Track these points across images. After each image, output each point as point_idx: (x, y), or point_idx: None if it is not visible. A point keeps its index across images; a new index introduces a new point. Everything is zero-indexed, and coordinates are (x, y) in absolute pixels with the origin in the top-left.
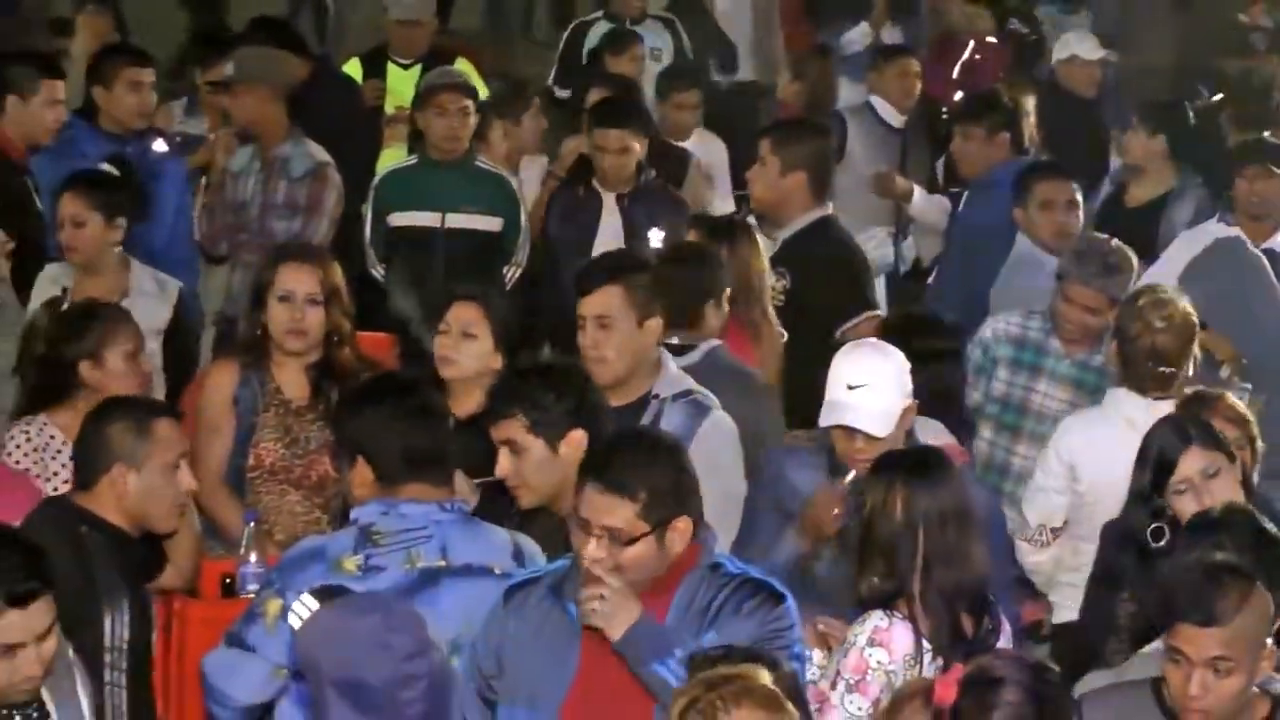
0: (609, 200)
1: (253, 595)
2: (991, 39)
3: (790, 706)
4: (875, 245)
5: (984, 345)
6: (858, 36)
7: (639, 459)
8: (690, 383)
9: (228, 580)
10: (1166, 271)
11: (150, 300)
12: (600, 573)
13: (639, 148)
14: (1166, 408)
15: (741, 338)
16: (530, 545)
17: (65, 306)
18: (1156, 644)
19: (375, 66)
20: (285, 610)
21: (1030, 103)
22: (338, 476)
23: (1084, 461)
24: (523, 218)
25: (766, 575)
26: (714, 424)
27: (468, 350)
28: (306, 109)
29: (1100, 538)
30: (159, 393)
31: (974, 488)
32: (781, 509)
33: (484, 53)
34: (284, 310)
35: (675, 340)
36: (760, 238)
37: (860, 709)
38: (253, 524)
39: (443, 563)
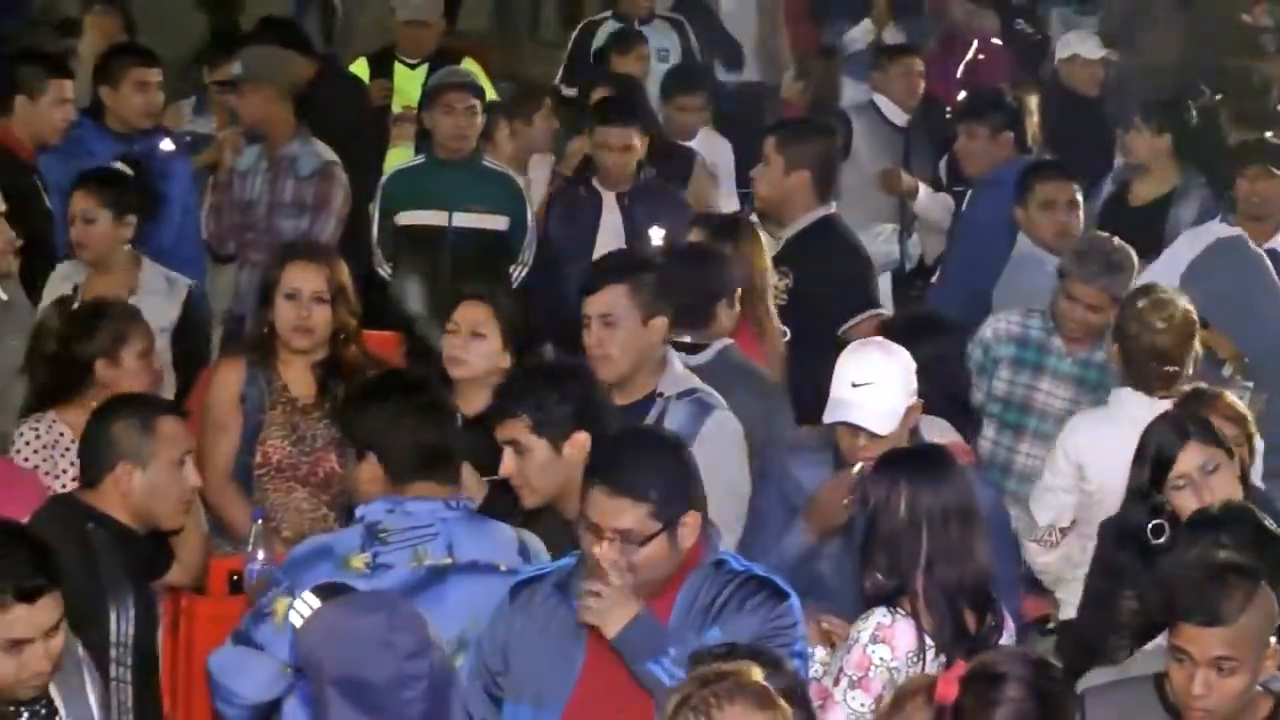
0: (609, 199)
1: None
2: (996, 40)
3: (783, 703)
4: (882, 241)
5: (985, 345)
6: (860, 34)
7: (646, 459)
8: (695, 382)
9: (235, 577)
10: (1168, 270)
11: (158, 298)
12: (613, 573)
13: (640, 146)
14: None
15: (750, 337)
16: (535, 541)
17: (76, 304)
18: (1159, 640)
19: (382, 66)
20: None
21: (1034, 102)
22: (343, 473)
23: (1091, 461)
24: (529, 217)
25: (771, 573)
26: (717, 423)
27: (477, 350)
28: (313, 108)
29: (1098, 535)
30: (169, 391)
31: (978, 485)
32: (787, 505)
33: (491, 53)
34: (291, 308)
35: (687, 339)
36: (764, 236)
37: (863, 705)
38: (260, 521)
39: (449, 560)
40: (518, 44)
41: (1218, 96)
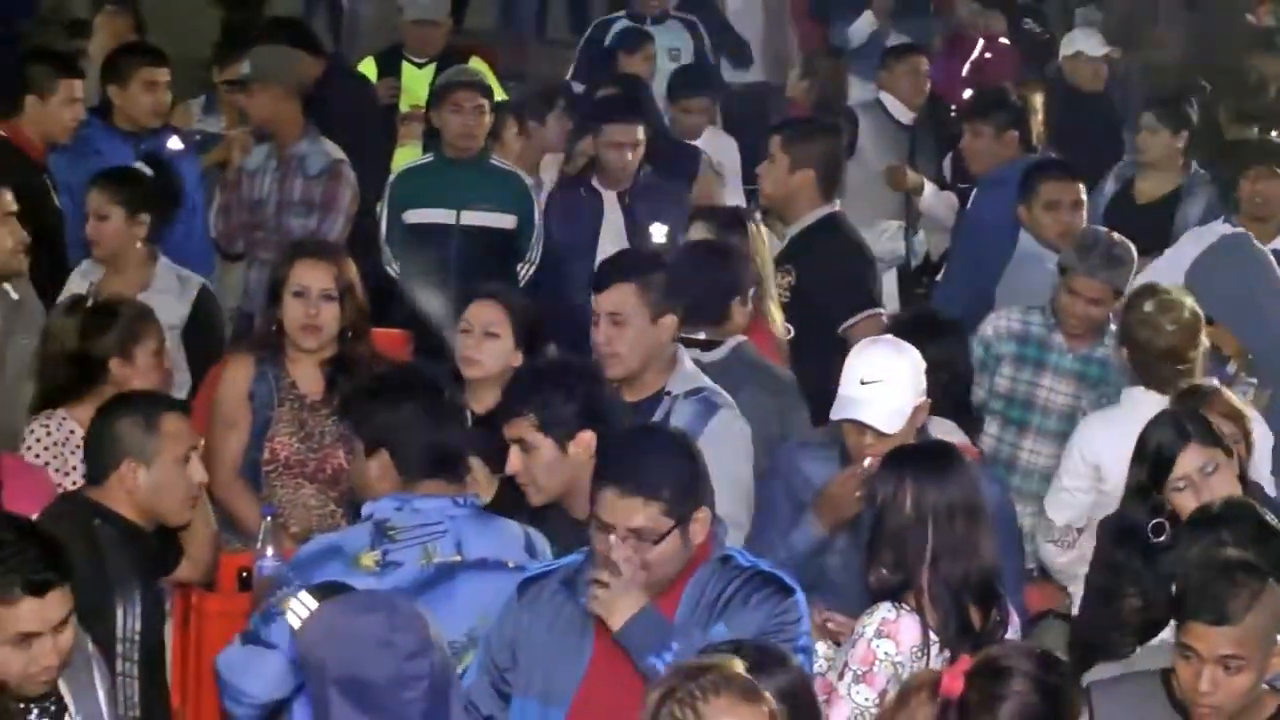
0: (610, 198)
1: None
2: (1004, 40)
3: (768, 696)
4: (888, 238)
5: (986, 343)
6: (863, 27)
7: (656, 458)
8: (703, 381)
9: (245, 574)
10: (1172, 269)
11: (168, 296)
12: (624, 567)
13: (642, 144)
14: None
15: (764, 333)
16: (540, 538)
17: (90, 302)
18: (1164, 635)
19: (390, 65)
20: None
21: (1039, 101)
22: (350, 468)
23: (1108, 461)
24: (537, 215)
25: (777, 568)
26: (722, 422)
27: (490, 350)
28: (321, 107)
29: (1098, 533)
30: (180, 388)
31: (984, 481)
32: (795, 501)
33: (498, 52)
34: (299, 306)
35: (701, 336)
36: (766, 233)
37: (867, 699)
38: (270, 518)
39: (458, 557)
40: (524, 43)
41: (1209, 92)
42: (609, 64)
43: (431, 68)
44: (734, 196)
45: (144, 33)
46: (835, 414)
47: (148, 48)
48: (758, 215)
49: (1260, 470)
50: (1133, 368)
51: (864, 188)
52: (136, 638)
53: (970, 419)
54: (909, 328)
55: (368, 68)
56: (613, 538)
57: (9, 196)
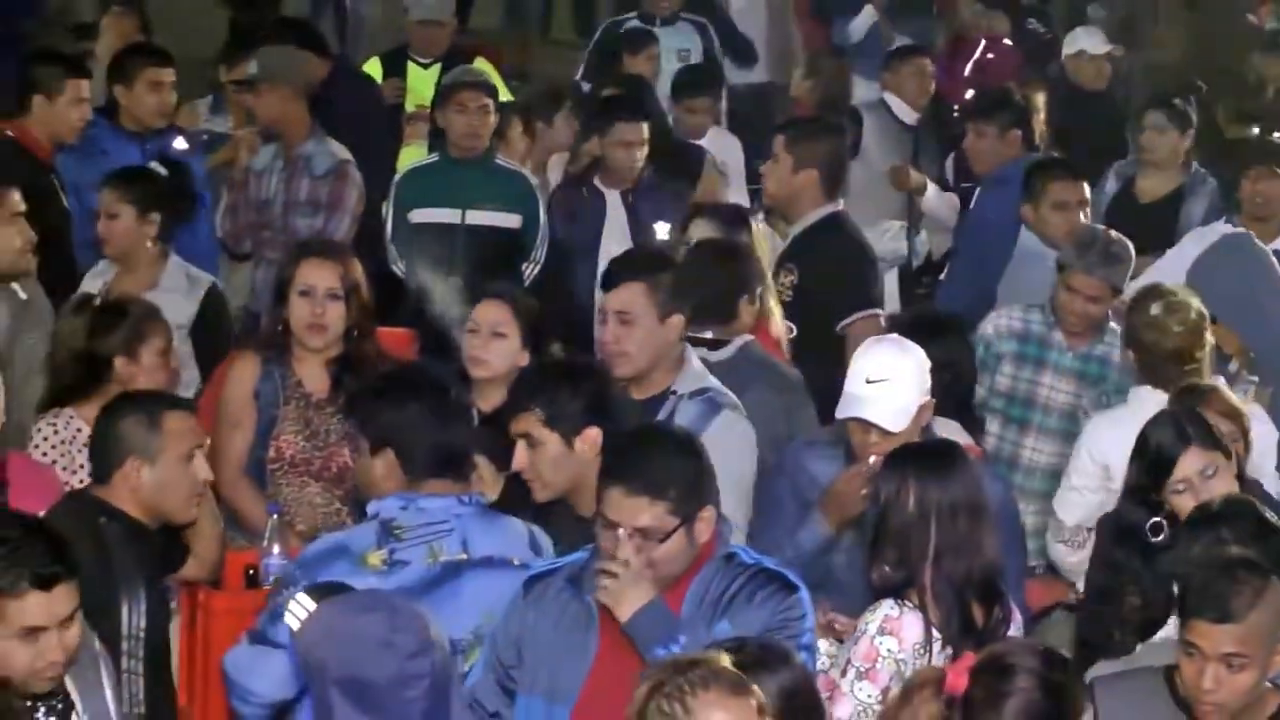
0: (613, 198)
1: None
2: (1007, 41)
3: (756, 689)
4: (890, 238)
5: (986, 341)
6: (864, 21)
7: (662, 457)
8: (709, 381)
9: (251, 571)
10: (1174, 268)
11: (176, 296)
12: (633, 560)
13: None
14: None
15: (766, 332)
16: (543, 535)
17: (98, 302)
18: (1166, 633)
19: (395, 66)
20: None
21: (1041, 100)
22: (355, 467)
23: (1116, 460)
24: (542, 215)
25: (781, 566)
26: (724, 422)
27: (498, 350)
28: (327, 107)
29: (1097, 531)
30: (189, 387)
31: (987, 479)
32: (800, 499)
33: (503, 52)
34: (305, 305)
35: (709, 335)
36: (769, 232)
37: (870, 696)
38: (276, 516)
39: (464, 555)
40: (529, 43)
41: (1206, 92)
42: (612, 64)
43: (437, 68)
44: (737, 196)
45: (150, 33)
46: (841, 412)
47: (153, 48)
48: (760, 215)
49: (1264, 467)
50: (1139, 369)
51: (867, 188)
52: (141, 634)
53: (973, 419)
54: (913, 327)
55: (373, 68)
56: (620, 532)
57: (17, 196)
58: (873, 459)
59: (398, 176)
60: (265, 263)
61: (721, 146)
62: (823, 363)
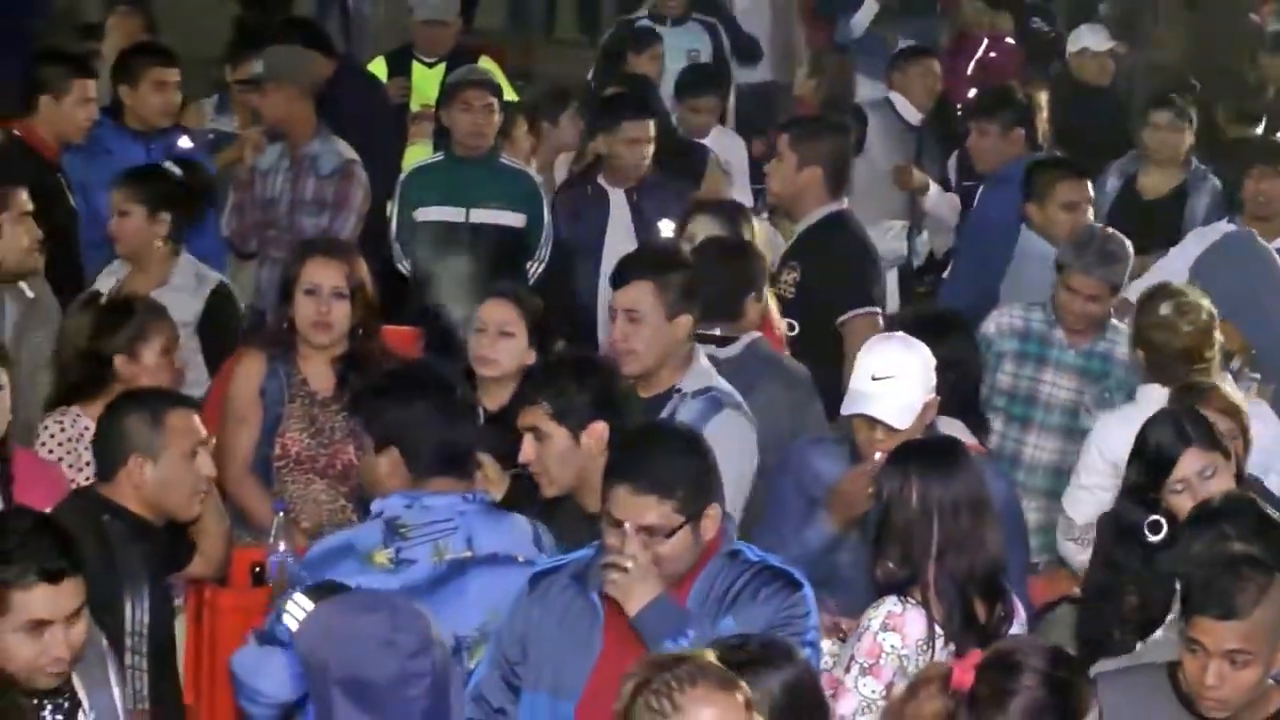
0: (617, 196)
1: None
2: (1010, 39)
3: (743, 684)
4: (892, 237)
5: (987, 340)
6: (865, 16)
7: (669, 456)
8: (715, 381)
9: (257, 569)
10: (1177, 266)
11: (182, 294)
12: (640, 555)
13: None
14: None
15: (770, 329)
16: (546, 532)
17: (104, 300)
18: (1164, 631)
19: (400, 65)
20: None
21: (1044, 99)
22: (360, 464)
23: (1125, 458)
24: (546, 214)
25: (786, 563)
26: (724, 420)
27: (506, 349)
28: (332, 107)
29: (1097, 529)
30: (197, 385)
31: (990, 477)
32: (805, 496)
33: (507, 52)
34: (310, 303)
35: (718, 332)
36: (771, 229)
37: (874, 692)
38: (282, 514)
39: (469, 553)
40: (533, 43)
41: (1201, 90)
42: (617, 63)
43: (441, 67)
44: (741, 195)
45: (155, 33)
46: (846, 409)
47: (158, 48)
48: (765, 214)
49: (1273, 465)
50: (1148, 368)
51: (870, 187)
52: (145, 630)
53: (979, 418)
54: (918, 326)
55: (378, 67)
56: (627, 527)
57: (24, 196)
58: (878, 455)
59: (402, 175)
60: (270, 261)
61: (725, 146)
62: (823, 360)
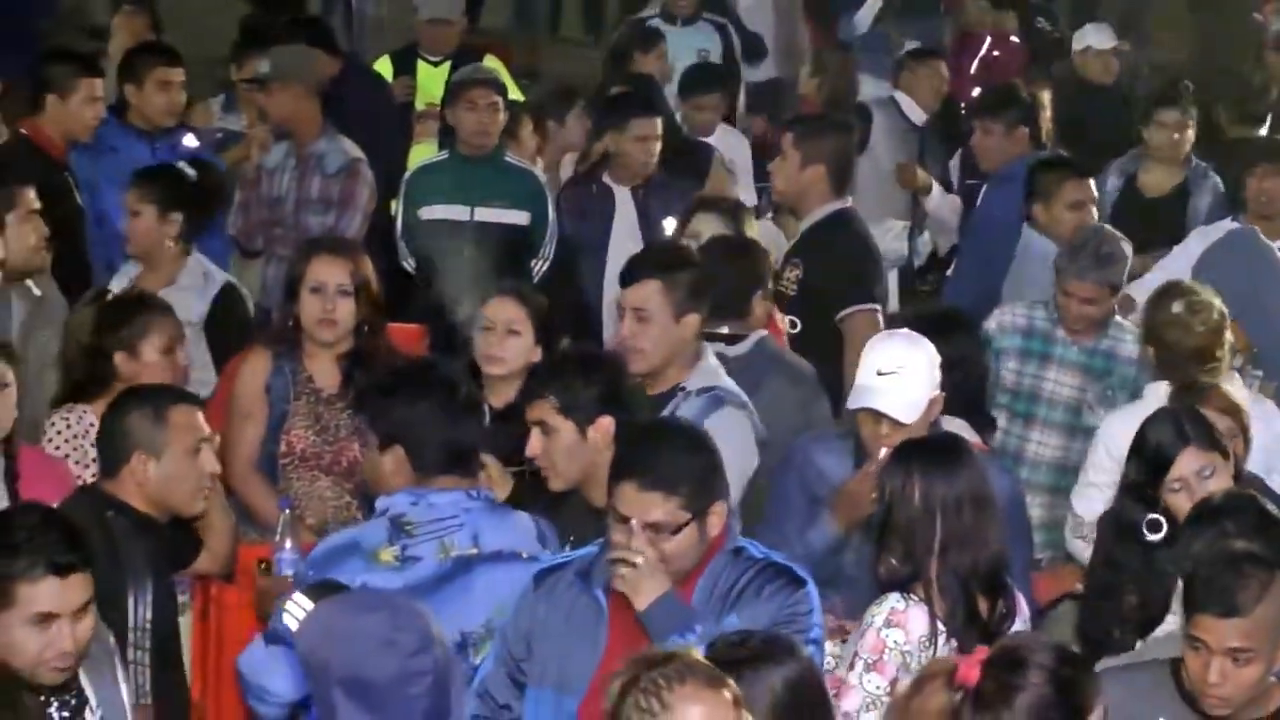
0: (622, 194)
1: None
2: (1015, 38)
3: (730, 682)
4: (893, 238)
5: (990, 337)
6: (868, 13)
7: (675, 453)
8: (721, 380)
9: (264, 565)
10: (1181, 264)
11: (188, 294)
12: (648, 549)
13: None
14: None
15: (774, 326)
16: (549, 528)
17: (110, 297)
18: (1170, 627)
19: (405, 64)
20: None
21: (1047, 98)
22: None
23: None
24: (550, 212)
25: (790, 561)
26: (723, 417)
27: (512, 347)
28: (338, 106)
29: (1098, 527)
30: (204, 385)
31: (995, 473)
32: (808, 493)
33: (512, 51)
34: (315, 301)
35: (726, 330)
36: (774, 228)
37: (879, 687)
38: (288, 511)
39: (474, 550)
40: (538, 42)
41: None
42: (622, 63)
43: (446, 66)
44: (745, 194)
45: (161, 32)
46: (852, 403)
47: (163, 47)
48: (770, 213)
49: (1274, 464)
50: (1158, 365)
51: (872, 186)
52: (148, 626)
53: (984, 417)
54: (923, 324)
55: (383, 66)
56: (633, 525)
57: (32, 194)
58: (883, 452)
59: (407, 174)
60: (276, 260)
61: (729, 145)
62: (825, 357)
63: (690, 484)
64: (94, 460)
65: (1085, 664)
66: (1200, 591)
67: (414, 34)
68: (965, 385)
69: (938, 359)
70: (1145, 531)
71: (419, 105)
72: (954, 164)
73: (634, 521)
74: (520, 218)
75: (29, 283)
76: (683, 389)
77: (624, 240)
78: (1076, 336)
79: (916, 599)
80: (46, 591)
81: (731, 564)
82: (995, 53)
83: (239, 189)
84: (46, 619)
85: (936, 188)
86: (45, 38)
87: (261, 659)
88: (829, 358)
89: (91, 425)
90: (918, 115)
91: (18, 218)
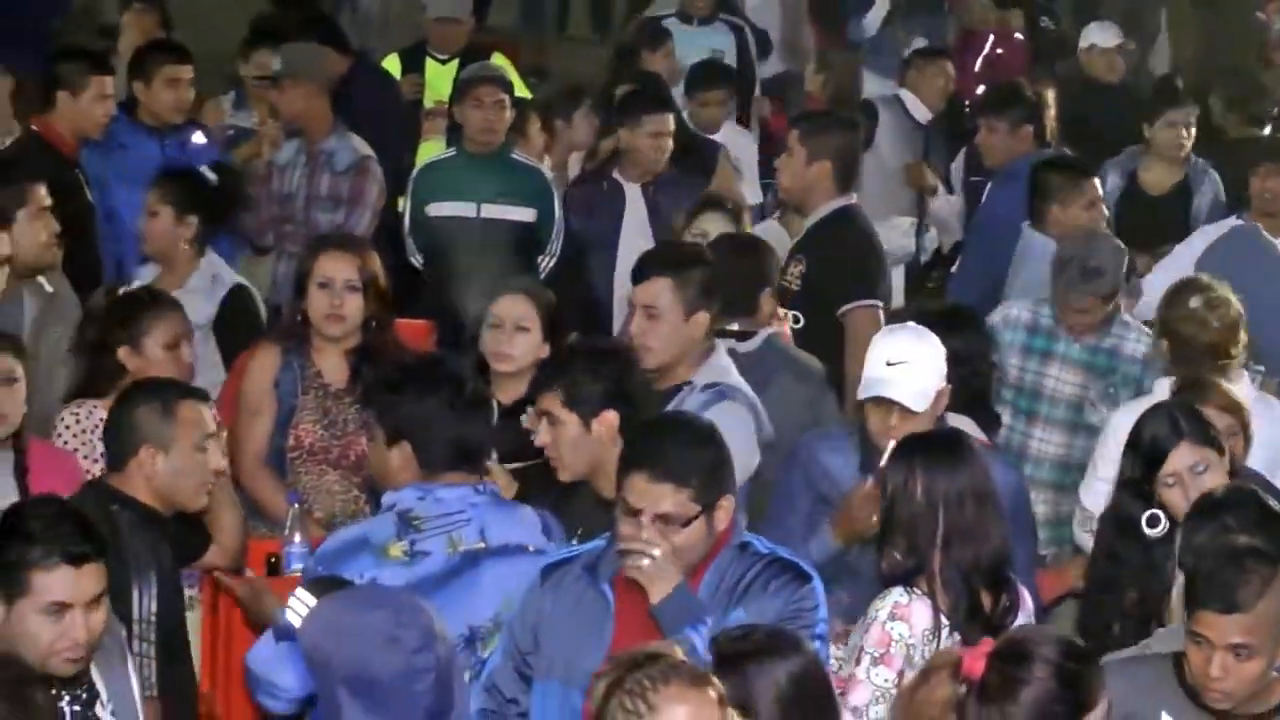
0: (632, 191)
1: (299, 573)
2: (1019, 35)
3: (715, 681)
4: (901, 234)
5: (993, 333)
6: (876, 16)
7: (686, 446)
8: (727, 377)
9: (273, 559)
10: (1184, 261)
11: (194, 296)
12: (660, 542)
13: None
14: None
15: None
16: (554, 521)
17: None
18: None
19: (414, 62)
20: None
21: (1051, 96)
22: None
23: None
24: (557, 209)
25: (795, 556)
26: (724, 409)
27: (521, 344)
28: (347, 103)
29: (1098, 523)
30: (215, 386)
31: (999, 469)
32: (813, 490)
33: (520, 49)
34: (323, 296)
35: (735, 327)
36: (779, 227)
37: (886, 681)
38: (297, 505)
39: (482, 544)
40: (546, 41)
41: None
42: (630, 61)
43: (454, 64)
44: (751, 191)
45: (170, 30)
46: (862, 393)
47: (172, 45)
48: (777, 212)
49: (1278, 461)
50: (1173, 360)
51: (877, 183)
52: (153, 619)
53: (989, 413)
54: (930, 320)
55: (392, 64)
56: (643, 518)
57: (43, 191)
58: (890, 445)
59: (415, 171)
60: (287, 256)
61: (735, 142)
62: (828, 353)
63: (701, 476)
64: (102, 454)
65: (1090, 658)
66: (1202, 587)
67: (422, 32)
68: (971, 381)
69: (944, 351)
70: (1145, 527)
71: (427, 103)
72: (958, 162)
73: (645, 515)
74: (527, 215)
75: (40, 279)
76: (689, 384)
77: (634, 237)
78: (1079, 334)
79: (920, 593)
80: (61, 581)
81: (738, 558)
82: (999, 50)
83: (250, 185)
84: (60, 609)
85: (941, 189)
86: (56, 35)
87: (270, 654)
88: (831, 354)
89: (101, 420)
90: (922, 114)
91: (29, 214)
